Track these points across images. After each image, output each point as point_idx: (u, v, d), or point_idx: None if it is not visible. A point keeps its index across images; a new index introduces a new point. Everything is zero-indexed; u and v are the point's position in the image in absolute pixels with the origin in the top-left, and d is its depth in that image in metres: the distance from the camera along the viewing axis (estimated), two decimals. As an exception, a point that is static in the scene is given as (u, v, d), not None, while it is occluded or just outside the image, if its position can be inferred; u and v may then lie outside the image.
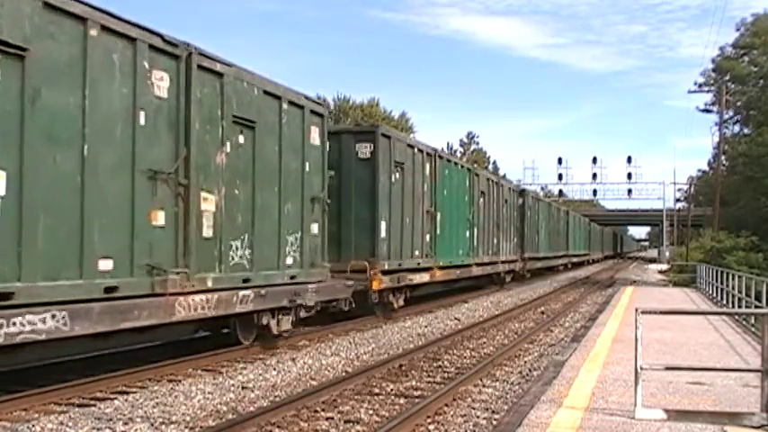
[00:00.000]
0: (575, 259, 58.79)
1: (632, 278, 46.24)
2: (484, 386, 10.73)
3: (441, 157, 22.69)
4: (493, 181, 30.14)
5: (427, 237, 20.92)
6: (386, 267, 17.57)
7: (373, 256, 17.16)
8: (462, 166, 25.69)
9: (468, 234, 25.42)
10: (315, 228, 14.29)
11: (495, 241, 29.29)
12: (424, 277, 20.68)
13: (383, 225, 17.68)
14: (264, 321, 12.57)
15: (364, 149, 17.53)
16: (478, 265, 26.77)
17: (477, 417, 8.83)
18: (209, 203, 10.93)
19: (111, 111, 9.05)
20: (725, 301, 22.68)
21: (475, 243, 26.24)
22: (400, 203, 18.85)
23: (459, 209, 24.46)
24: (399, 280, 18.57)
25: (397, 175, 18.71)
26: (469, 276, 26.33)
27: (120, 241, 9.22)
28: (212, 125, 11.08)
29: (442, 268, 22.21)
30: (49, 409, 8.68)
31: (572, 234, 55.54)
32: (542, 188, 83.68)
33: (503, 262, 30.81)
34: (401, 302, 19.33)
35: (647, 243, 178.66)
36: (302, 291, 13.47)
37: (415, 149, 20.25)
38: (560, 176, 76.15)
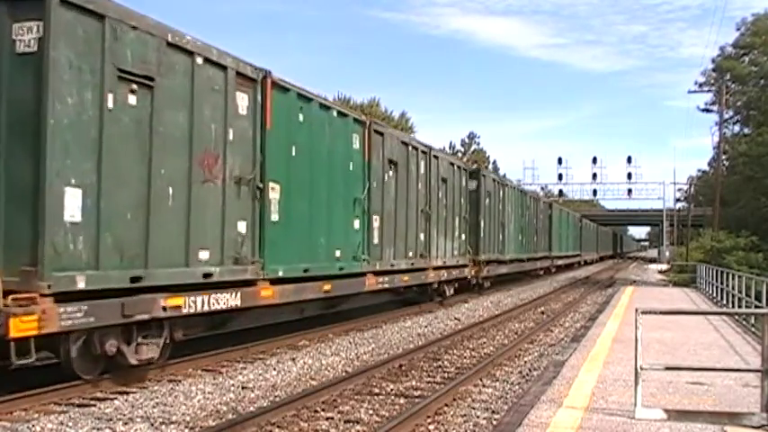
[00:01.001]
0: (560, 261, 49.64)
1: (632, 278, 46.26)
2: (484, 386, 10.72)
3: (283, 87, 12.91)
4: (415, 147, 19.94)
5: (241, 226, 11.68)
6: (80, 286, 8.64)
7: (35, 263, 8.26)
8: (343, 114, 15.56)
9: (358, 225, 16.01)
10: None
11: (421, 238, 20.17)
12: (225, 301, 11.16)
13: (72, 196, 8.64)
14: None
15: (25, 34, 8.46)
16: (381, 273, 17.29)
17: (477, 417, 8.83)
18: None
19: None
20: (725, 301, 22.68)
21: (375, 240, 16.83)
22: (145, 157, 9.68)
23: (336, 183, 15.01)
24: (127, 310, 9.29)
25: (132, 97, 9.50)
26: (361, 292, 16.57)
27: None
28: None
29: (279, 282, 12.74)
30: (49, 409, 8.69)
31: (557, 231, 46.34)
32: (542, 188, 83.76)
33: (438, 268, 21.62)
34: (149, 354, 10.06)
35: (647, 243, 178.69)
36: None
37: (198, 59, 10.57)
38: (560, 176, 76.09)
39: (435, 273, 21.42)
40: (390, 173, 18.03)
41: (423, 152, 20.62)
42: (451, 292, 23.86)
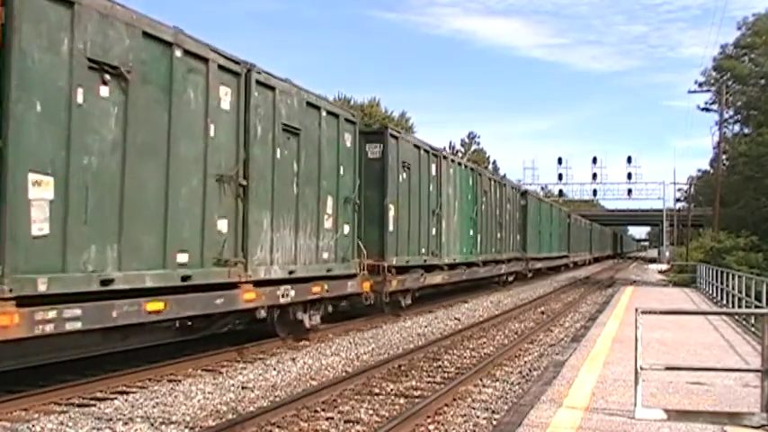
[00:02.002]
0: (539, 264, 39.91)
1: (632, 278, 46.28)
2: (484, 386, 10.72)
3: None
4: (201, 56, 10.38)
5: None
6: None
7: None
8: None
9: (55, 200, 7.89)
10: None
11: (220, 229, 11.00)
12: None
13: None
14: None
15: None
16: (57, 301, 7.90)
17: (477, 417, 8.83)
18: None
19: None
20: (725, 301, 22.68)
21: (38, 228, 7.74)
22: None
23: None
24: None
25: None
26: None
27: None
28: None
29: None
30: (49, 409, 8.68)
31: (534, 227, 37.32)
32: (542, 188, 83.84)
33: (270, 283, 12.31)
34: None
35: (647, 243, 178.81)
36: None
37: None
38: (560, 176, 76.23)
39: (264, 292, 12.02)
40: (103, 90, 8.70)
41: (230, 71, 11.13)
42: (317, 321, 14.50)
